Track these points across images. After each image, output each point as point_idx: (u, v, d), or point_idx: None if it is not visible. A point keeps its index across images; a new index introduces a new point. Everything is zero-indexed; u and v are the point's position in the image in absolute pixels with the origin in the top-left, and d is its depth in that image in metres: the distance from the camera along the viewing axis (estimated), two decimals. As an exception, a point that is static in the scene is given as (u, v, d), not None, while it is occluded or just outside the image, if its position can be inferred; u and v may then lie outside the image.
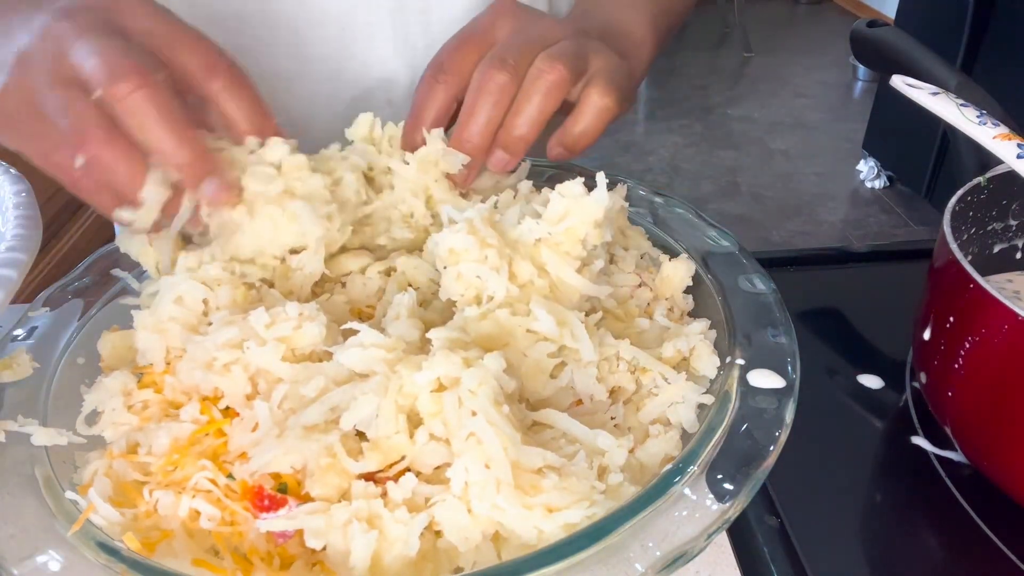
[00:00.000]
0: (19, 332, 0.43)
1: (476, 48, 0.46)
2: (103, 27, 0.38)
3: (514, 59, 0.44)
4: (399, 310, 0.41)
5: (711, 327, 0.43)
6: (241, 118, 0.42)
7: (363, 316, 0.44)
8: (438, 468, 0.35)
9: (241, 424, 0.37)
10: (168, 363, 0.40)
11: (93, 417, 0.39)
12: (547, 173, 0.56)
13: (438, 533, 0.34)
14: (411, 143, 0.47)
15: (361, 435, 0.36)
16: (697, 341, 0.42)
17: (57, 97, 0.37)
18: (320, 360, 0.39)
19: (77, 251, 1.44)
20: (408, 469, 0.35)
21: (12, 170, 0.49)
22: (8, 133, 0.39)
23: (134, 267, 0.48)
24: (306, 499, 0.34)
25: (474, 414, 0.34)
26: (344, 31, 0.64)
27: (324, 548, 0.33)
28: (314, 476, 0.34)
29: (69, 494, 0.34)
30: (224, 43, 0.53)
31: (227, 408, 0.38)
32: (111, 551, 0.32)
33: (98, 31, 0.37)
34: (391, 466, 0.35)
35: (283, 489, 0.35)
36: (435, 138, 0.47)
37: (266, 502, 0.34)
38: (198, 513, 0.34)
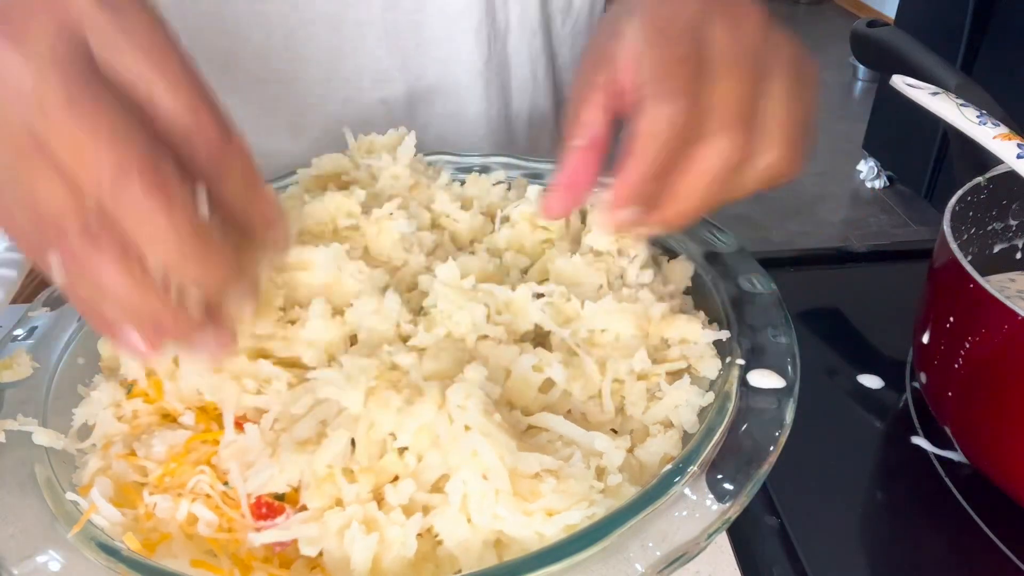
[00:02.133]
0: (19, 332, 0.43)
1: (693, 62, 0.33)
2: (70, 61, 0.26)
3: (746, 118, 0.33)
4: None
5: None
6: (256, 219, 0.31)
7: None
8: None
9: (229, 448, 0.36)
10: (150, 375, 0.40)
11: (85, 431, 0.39)
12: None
13: (439, 541, 0.34)
14: (635, 198, 0.34)
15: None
16: (701, 343, 0.42)
17: (15, 165, 0.27)
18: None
19: (77, 251, 1.44)
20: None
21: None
22: None
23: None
24: (304, 506, 0.34)
25: (467, 428, 0.34)
26: (336, 31, 0.63)
27: (321, 554, 0.33)
28: (310, 488, 0.34)
29: (70, 495, 0.34)
30: (216, 47, 0.53)
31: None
32: (111, 551, 0.32)
33: (65, 70, 0.26)
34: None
35: (280, 497, 0.35)
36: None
37: (264, 510, 0.34)
38: (196, 518, 0.34)
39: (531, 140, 0.75)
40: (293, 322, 0.40)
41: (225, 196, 0.29)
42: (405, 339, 0.40)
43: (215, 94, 0.29)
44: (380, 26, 0.64)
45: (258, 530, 0.34)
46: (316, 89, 0.66)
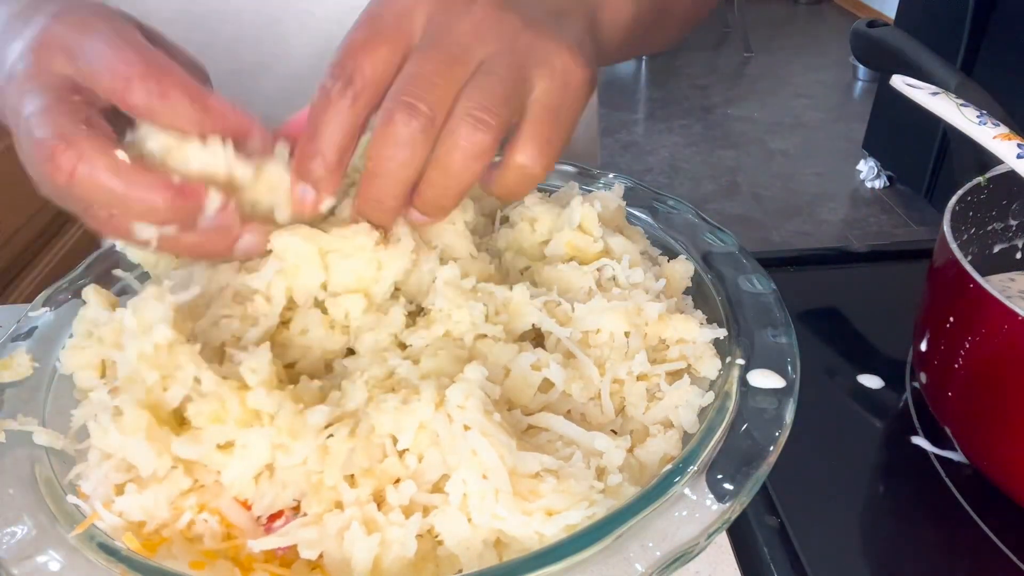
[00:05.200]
0: (19, 332, 0.43)
1: (390, 48, 0.36)
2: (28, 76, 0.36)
3: (430, 102, 0.34)
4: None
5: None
6: (184, 124, 0.36)
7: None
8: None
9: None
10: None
11: (85, 432, 0.39)
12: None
13: (439, 542, 0.34)
14: (307, 174, 0.37)
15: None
16: (700, 342, 0.42)
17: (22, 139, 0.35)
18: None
19: (77, 251, 1.44)
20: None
21: None
22: None
23: (134, 267, 0.48)
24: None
25: (467, 428, 0.33)
26: (305, 27, 0.64)
27: (322, 554, 0.33)
28: (308, 496, 0.34)
29: (70, 498, 0.34)
30: (188, 40, 0.53)
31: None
32: (111, 551, 0.32)
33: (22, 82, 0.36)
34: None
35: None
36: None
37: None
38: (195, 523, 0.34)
39: None
40: (287, 323, 0.40)
41: (166, 122, 0.36)
42: (403, 346, 0.40)
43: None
44: (352, 22, 0.64)
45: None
46: (289, 84, 0.66)
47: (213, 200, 0.36)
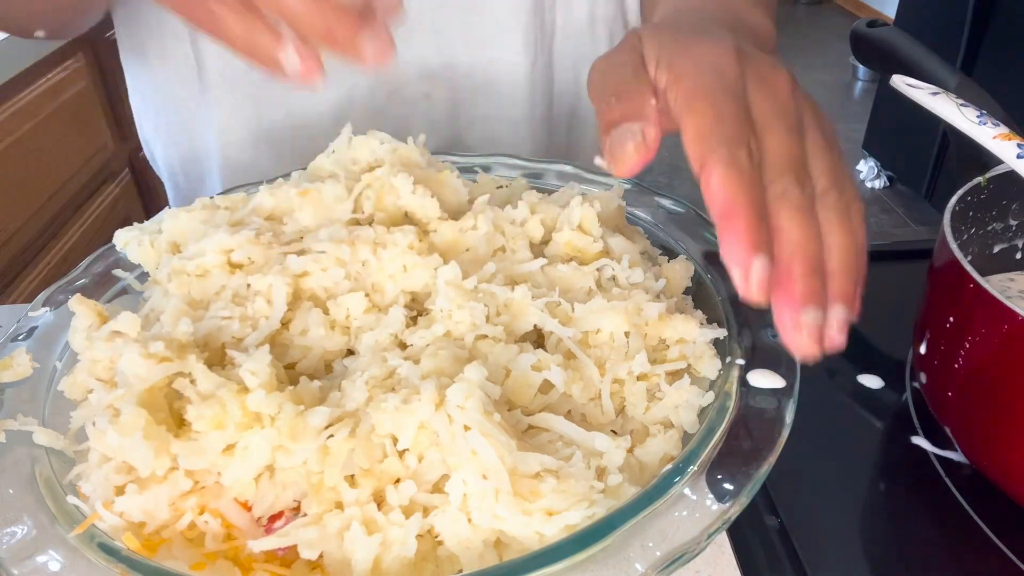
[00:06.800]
0: (19, 332, 0.43)
1: (747, 120, 0.34)
2: None
3: (800, 184, 0.32)
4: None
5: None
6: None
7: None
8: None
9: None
10: None
11: (83, 433, 0.38)
12: (541, 172, 0.56)
13: (439, 542, 0.34)
14: (757, 250, 0.30)
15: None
16: (700, 342, 0.42)
17: None
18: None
19: (77, 251, 1.44)
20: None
21: None
22: None
23: (134, 267, 0.48)
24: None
25: (467, 428, 0.33)
26: None
27: (321, 556, 0.33)
28: (308, 497, 0.34)
29: (70, 498, 0.34)
30: None
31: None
32: (112, 551, 0.32)
33: None
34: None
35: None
36: None
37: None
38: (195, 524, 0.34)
39: (570, 143, 0.76)
40: (287, 323, 0.40)
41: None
42: (403, 346, 0.40)
43: None
44: (429, 24, 0.65)
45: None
46: (361, 80, 0.67)
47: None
